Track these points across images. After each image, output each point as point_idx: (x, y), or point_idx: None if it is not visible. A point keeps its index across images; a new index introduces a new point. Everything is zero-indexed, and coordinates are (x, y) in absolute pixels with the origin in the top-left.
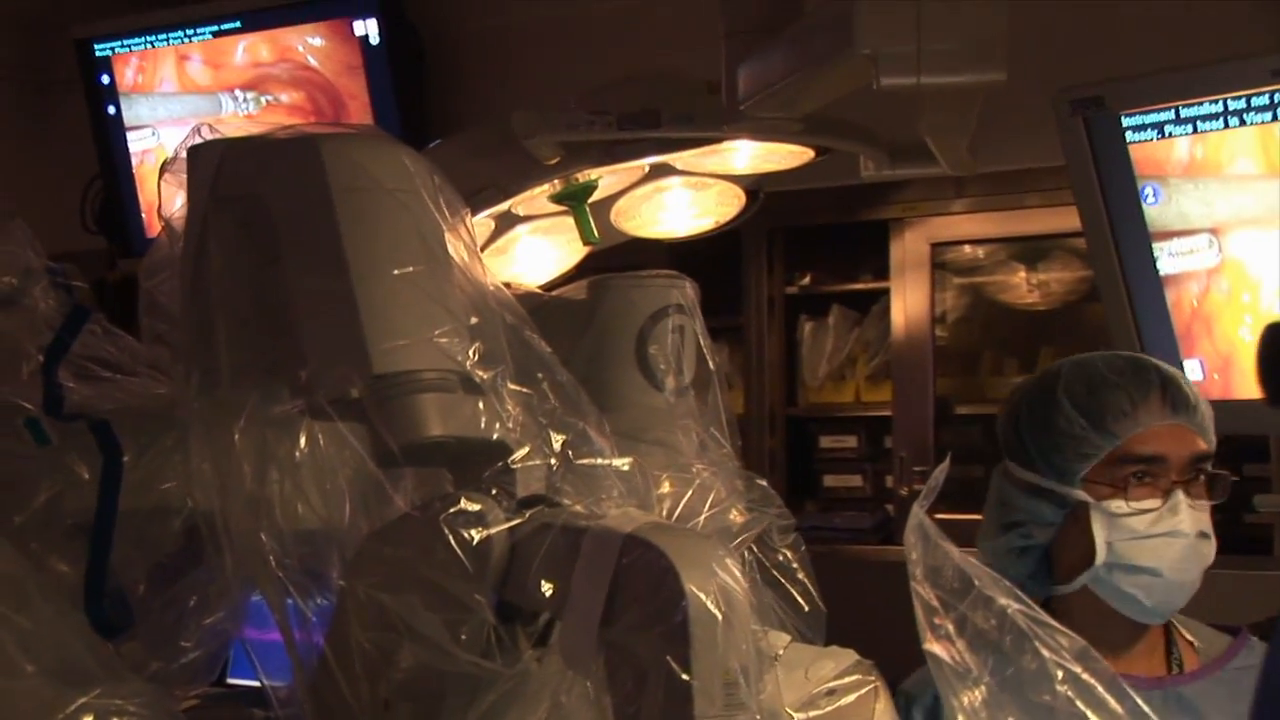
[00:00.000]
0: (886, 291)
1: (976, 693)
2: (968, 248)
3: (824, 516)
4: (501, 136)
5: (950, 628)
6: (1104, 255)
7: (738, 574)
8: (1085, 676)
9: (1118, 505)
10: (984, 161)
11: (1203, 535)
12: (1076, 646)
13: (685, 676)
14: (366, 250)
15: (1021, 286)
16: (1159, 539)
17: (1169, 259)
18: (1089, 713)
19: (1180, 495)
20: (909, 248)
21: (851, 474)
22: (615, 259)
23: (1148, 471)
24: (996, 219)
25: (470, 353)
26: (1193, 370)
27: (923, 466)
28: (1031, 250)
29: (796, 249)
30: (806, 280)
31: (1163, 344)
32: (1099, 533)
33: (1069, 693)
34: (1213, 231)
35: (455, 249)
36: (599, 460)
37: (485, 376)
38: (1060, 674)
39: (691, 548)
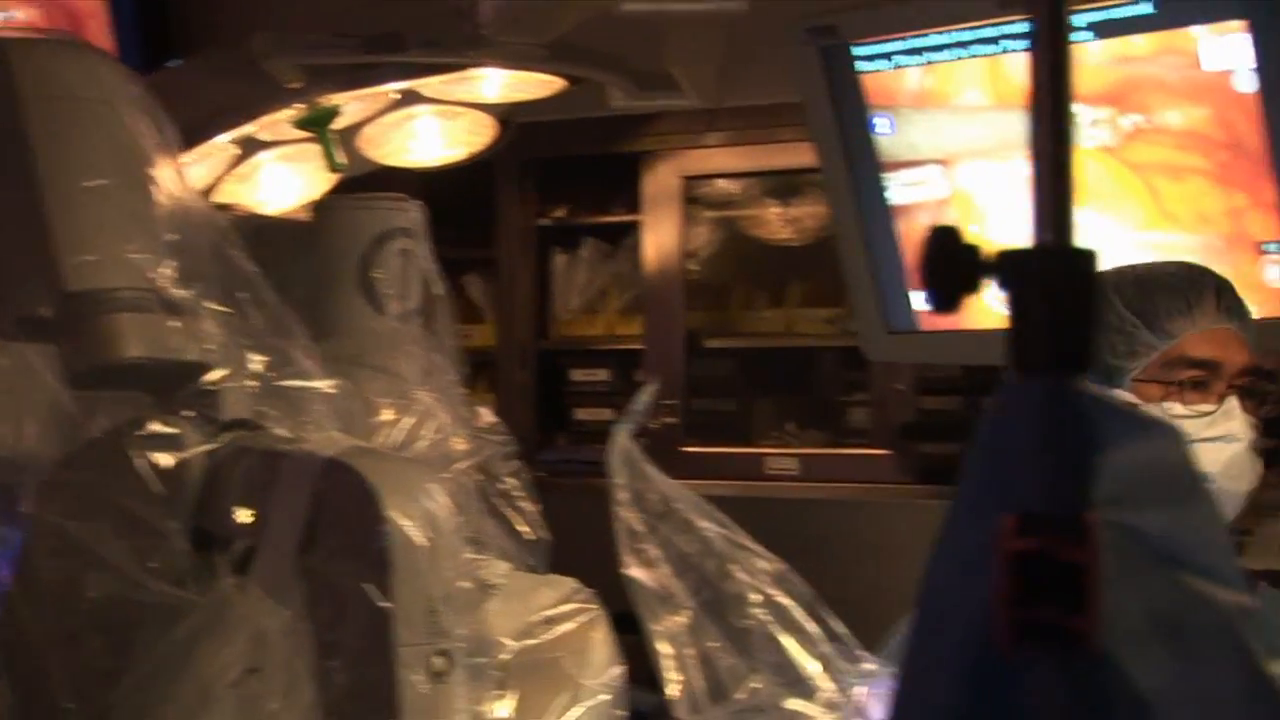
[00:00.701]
0: (639, 225)
1: (679, 618)
2: (720, 182)
3: (575, 450)
4: (243, 59)
5: (654, 552)
6: (837, 186)
7: (445, 500)
8: (782, 599)
9: (1172, 407)
10: (737, 95)
11: (1255, 450)
12: (776, 570)
13: (386, 604)
14: (57, 161)
15: (774, 221)
16: (1215, 443)
17: (899, 189)
18: (781, 637)
19: (1235, 401)
20: (660, 181)
21: (603, 407)
22: (365, 188)
23: (1202, 376)
24: (749, 153)
25: (168, 270)
26: (920, 302)
27: (673, 399)
28: (784, 185)
29: (550, 181)
30: (560, 213)
31: (893, 275)
32: None
33: (764, 616)
34: (942, 162)
35: (157, 164)
36: (304, 382)
37: (184, 295)
38: (757, 598)
39: (396, 473)
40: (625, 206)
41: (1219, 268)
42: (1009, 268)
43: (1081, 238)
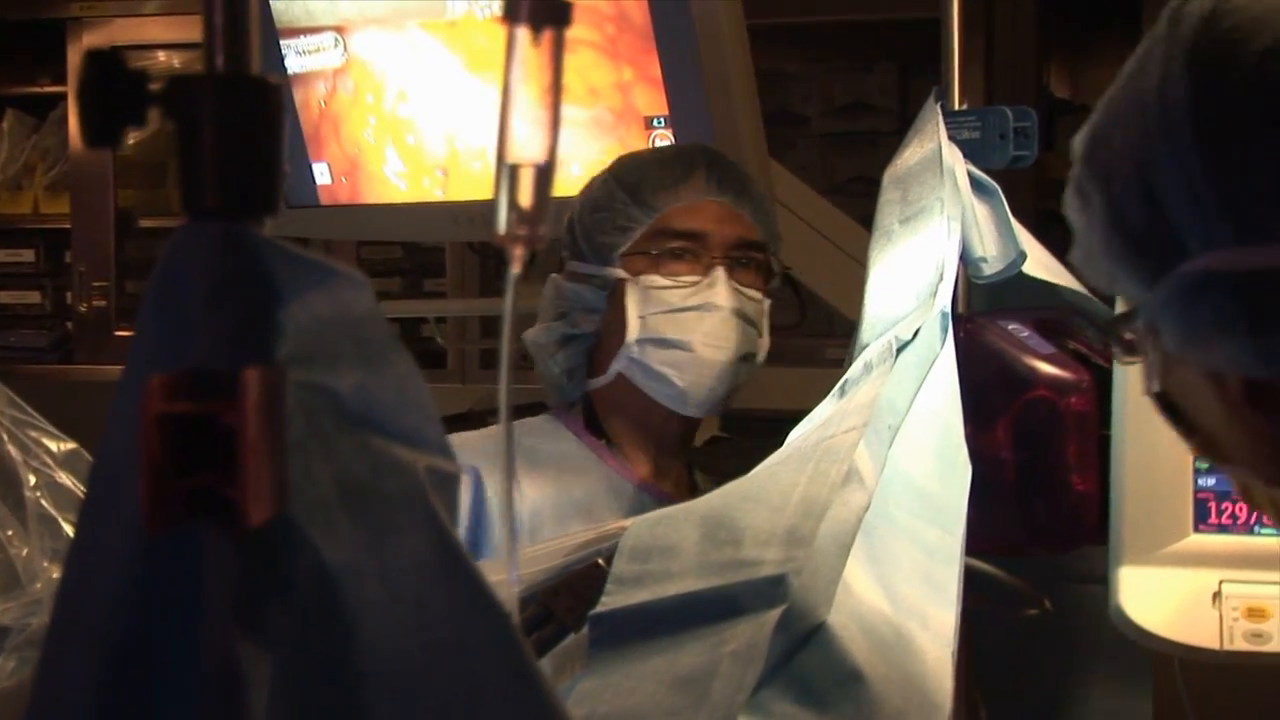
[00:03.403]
0: (66, 96)
1: None
2: (161, 54)
3: None
4: None
5: None
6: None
7: None
8: (64, 480)
9: (652, 279)
10: None
11: (743, 317)
12: (65, 450)
13: None
14: None
15: None
16: (691, 312)
17: (295, 58)
18: (60, 517)
19: (720, 271)
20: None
21: (29, 290)
22: None
23: (688, 248)
24: (187, 24)
25: None
26: (321, 174)
27: (104, 281)
28: None
29: None
30: None
31: (293, 148)
32: (632, 308)
33: (41, 499)
34: (338, 30)
35: None
36: None
37: None
38: (33, 479)
39: None
40: (51, 77)
41: (608, 141)
42: (176, 97)
43: (469, 108)
